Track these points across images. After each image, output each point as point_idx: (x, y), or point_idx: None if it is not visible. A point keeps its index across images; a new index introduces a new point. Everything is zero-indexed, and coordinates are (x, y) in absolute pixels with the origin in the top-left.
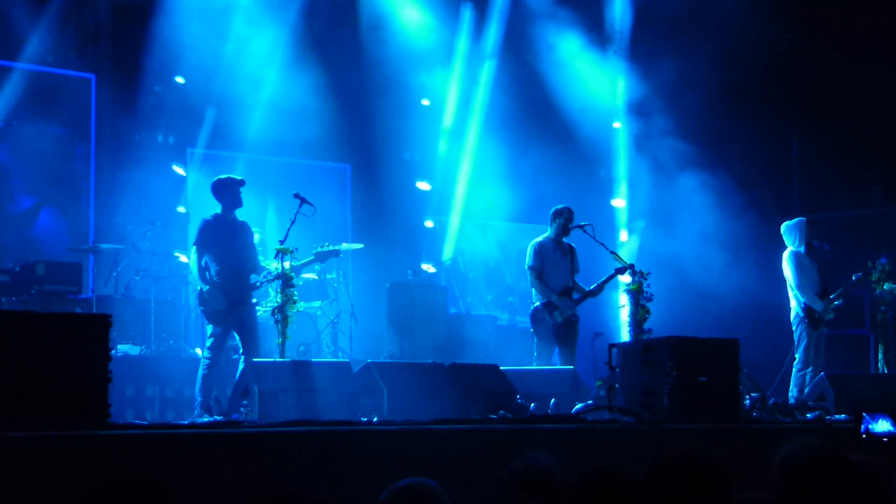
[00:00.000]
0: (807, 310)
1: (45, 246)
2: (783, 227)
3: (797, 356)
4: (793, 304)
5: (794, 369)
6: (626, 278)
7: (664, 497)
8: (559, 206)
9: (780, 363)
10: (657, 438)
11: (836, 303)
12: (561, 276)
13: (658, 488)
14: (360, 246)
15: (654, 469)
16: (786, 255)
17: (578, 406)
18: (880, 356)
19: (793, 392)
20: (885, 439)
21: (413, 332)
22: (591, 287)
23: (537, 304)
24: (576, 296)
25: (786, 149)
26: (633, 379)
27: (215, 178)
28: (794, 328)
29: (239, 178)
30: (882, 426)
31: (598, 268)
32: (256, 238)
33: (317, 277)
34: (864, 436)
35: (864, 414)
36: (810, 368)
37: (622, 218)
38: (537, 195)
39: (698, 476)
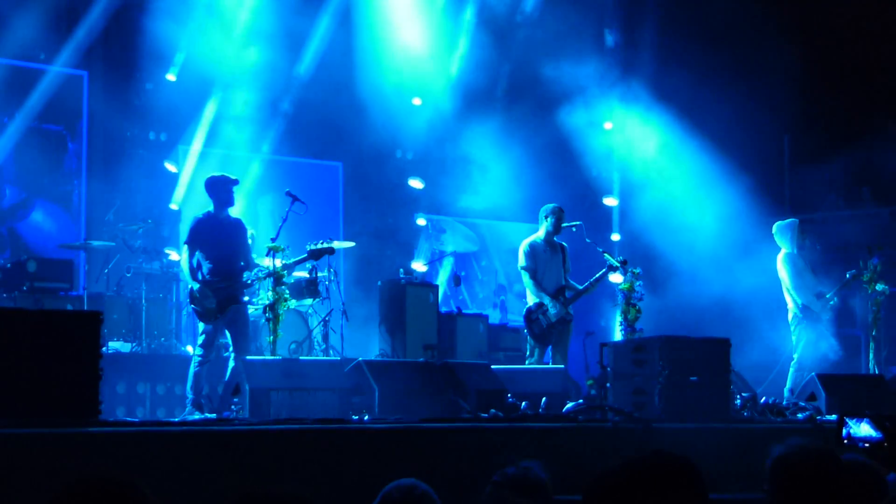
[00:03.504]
0: (804, 310)
1: (36, 243)
2: (775, 228)
3: (795, 356)
4: (790, 305)
5: (791, 368)
6: (617, 278)
7: (638, 493)
8: (550, 205)
9: (772, 363)
10: (648, 437)
11: (831, 302)
12: (553, 275)
13: (633, 485)
14: (352, 244)
15: (628, 467)
16: (780, 257)
17: (569, 405)
18: (871, 356)
19: (787, 393)
20: (867, 444)
21: (404, 330)
22: (584, 285)
23: (530, 304)
24: (568, 294)
25: (777, 149)
26: (625, 378)
27: (209, 176)
28: (792, 329)
29: (233, 177)
30: (863, 430)
31: (590, 267)
32: (250, 233)
33: (308, 276)
34: (845, 441)
35: (845, 418)
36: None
37: (614, 217)
38: (528, 193)
39: (672, 473)
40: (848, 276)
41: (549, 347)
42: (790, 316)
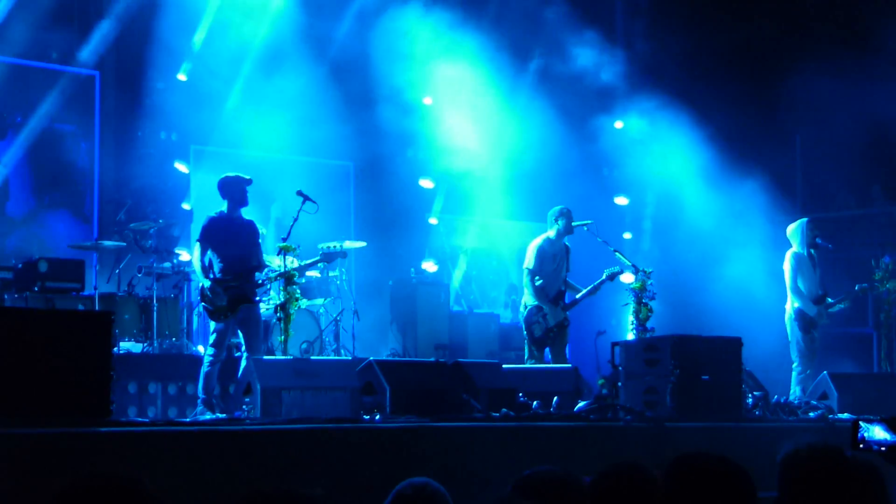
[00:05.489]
0: (799, 312)
1: (47, 243)
2: (788, 231)
3: (792, 357)
4: (788, 304)
5: (793, 372)
6: (628, 277)
7: (685, 495)
8: (558, 207)
9: (786, 362)
10: (660, 437)
11: (834, 308)
12: (557, 279)
13: (679, 486)
14: (363, 244)
15: (677, 466)
16: (788, 255)
17: (581, 404)
18: (883, 355)
19: (795, 392)
20: (882, 448)
21: (416, 329)
22: (582, 292)
23: (530, 306)
24: (568, 299)
25: (790, 148)
26: (636, 377)
27: (223, 176)
28: (787, 328)
29: (247, 177)
30: (878, 434)
31: (599, 266)
32: (262, 233)
33: (319, 275)
34: (860, 445)
35: (859, 422)
36: (810, 370)
37: (625, 216)
38: (540, 193)
39: (723, 478)
40: (857, 288)
41: (547, 350)
42: (786, 315)
